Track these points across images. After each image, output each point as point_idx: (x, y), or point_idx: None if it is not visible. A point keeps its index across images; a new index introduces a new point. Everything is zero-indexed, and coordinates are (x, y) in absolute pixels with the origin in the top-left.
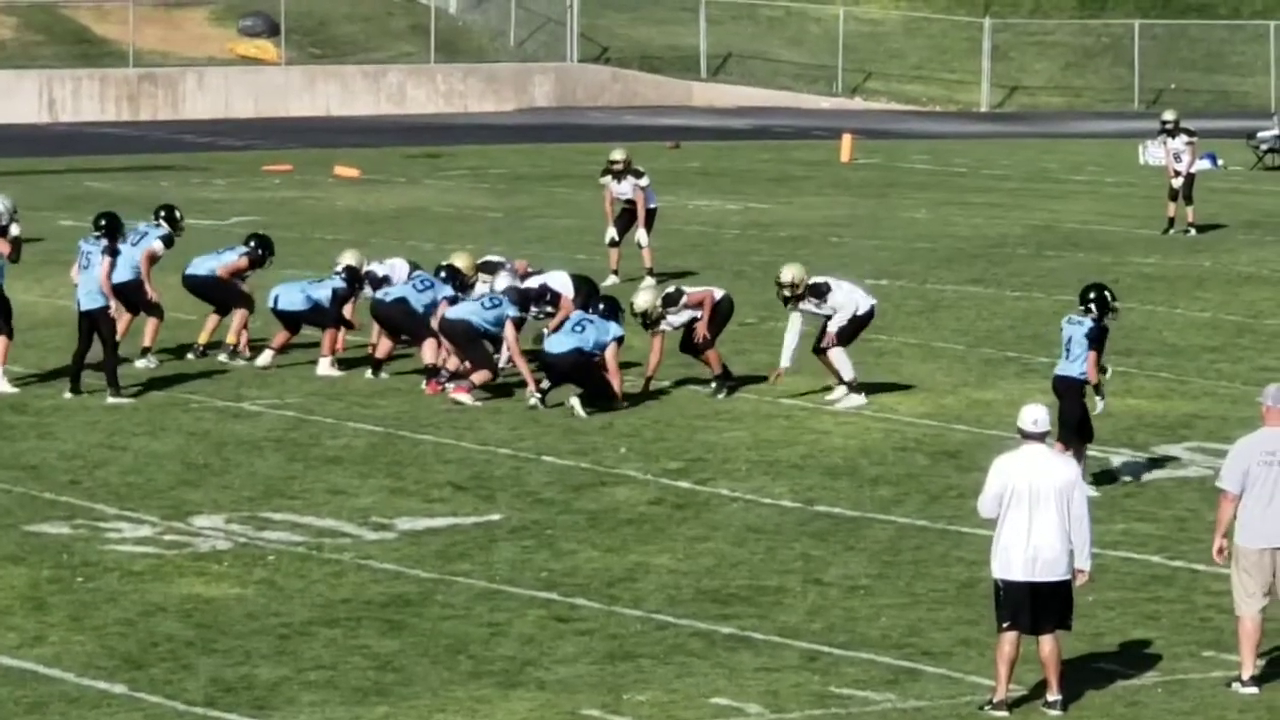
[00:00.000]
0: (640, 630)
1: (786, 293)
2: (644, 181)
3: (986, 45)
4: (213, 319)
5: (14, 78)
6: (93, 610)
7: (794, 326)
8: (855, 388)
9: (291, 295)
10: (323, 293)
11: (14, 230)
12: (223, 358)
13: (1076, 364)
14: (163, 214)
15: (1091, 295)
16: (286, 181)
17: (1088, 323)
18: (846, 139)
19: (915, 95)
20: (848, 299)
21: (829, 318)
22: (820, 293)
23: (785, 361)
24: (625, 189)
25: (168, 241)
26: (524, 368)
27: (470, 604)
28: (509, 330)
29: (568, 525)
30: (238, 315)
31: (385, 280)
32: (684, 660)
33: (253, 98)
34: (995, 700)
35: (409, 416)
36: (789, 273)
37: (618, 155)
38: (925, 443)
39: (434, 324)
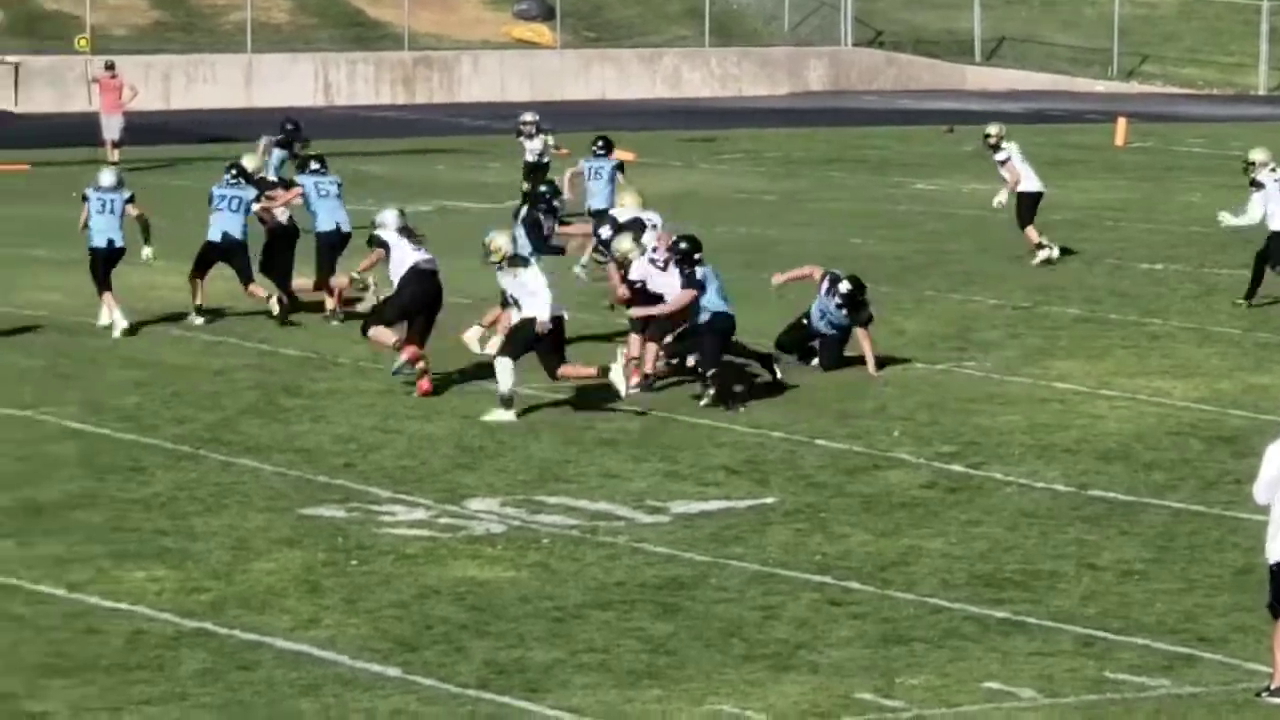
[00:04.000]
0: (913, 614)
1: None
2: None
3: (1264, 27)
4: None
5: (289, 61)
6: (367, 593)
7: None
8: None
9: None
10: None
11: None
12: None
13: None
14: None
15: None
16: (558, 165)
17: None
18: (1121, 122)
19: (1191, 78)
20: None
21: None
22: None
23: None
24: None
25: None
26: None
27: (743, 587)
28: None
29: (841, 508)
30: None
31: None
32: (957, 644)
33: (528, 81)
34: (1273, 686)
35: (683, 400)
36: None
37: (992, 130)
38: (1200, 427)
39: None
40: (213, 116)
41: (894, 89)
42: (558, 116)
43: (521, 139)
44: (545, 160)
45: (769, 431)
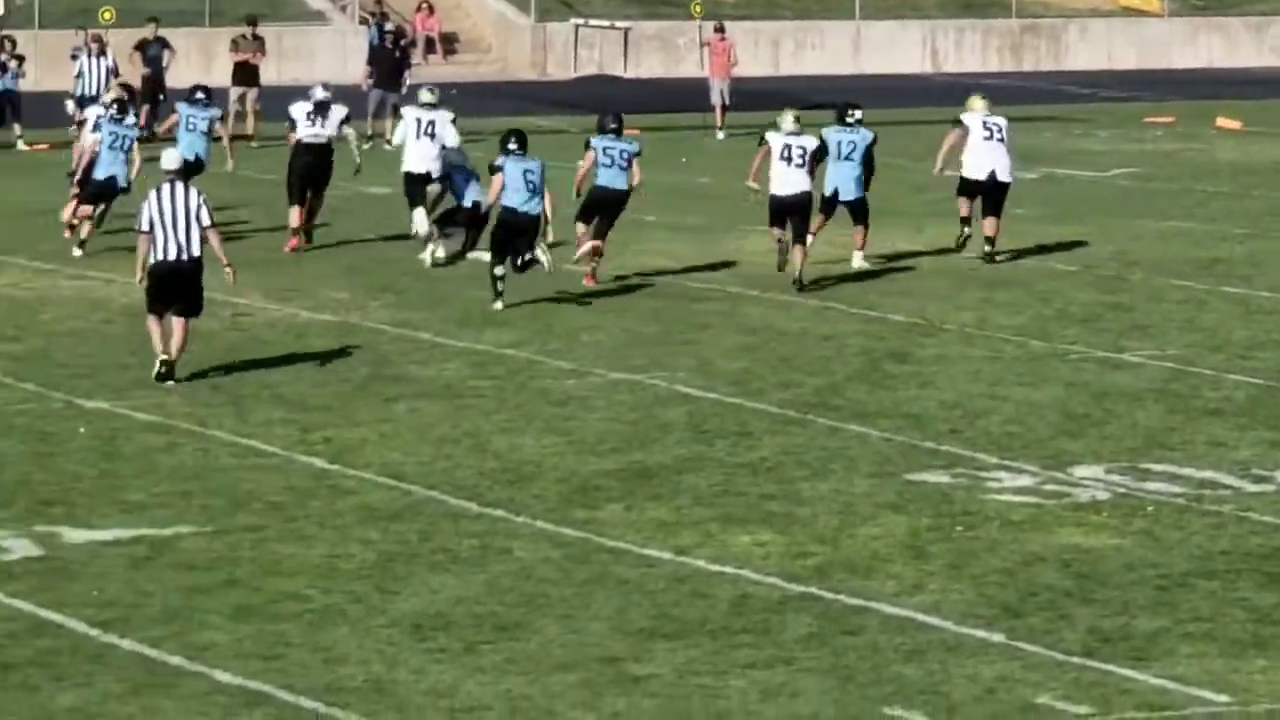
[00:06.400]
0: None
1: None
2: None
3: None
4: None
5: (898, 28)
6: (972, 559)
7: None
8: None
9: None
10: None
11: None
12: None
13: None
14: None
15: None
16: (1168, 134)
17: None
18: None
19: None
20: None
21: None
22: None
23: None
24: None
25: None
26: None
27: None
28: None
29: None
30: None
31: None
32: None
33: (1134, 49)
34: None
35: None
36: None
37: None
38: None
39: None
40: (820, 83)
41: None
42: (1165, 85)
43: None
44: None
45: None
